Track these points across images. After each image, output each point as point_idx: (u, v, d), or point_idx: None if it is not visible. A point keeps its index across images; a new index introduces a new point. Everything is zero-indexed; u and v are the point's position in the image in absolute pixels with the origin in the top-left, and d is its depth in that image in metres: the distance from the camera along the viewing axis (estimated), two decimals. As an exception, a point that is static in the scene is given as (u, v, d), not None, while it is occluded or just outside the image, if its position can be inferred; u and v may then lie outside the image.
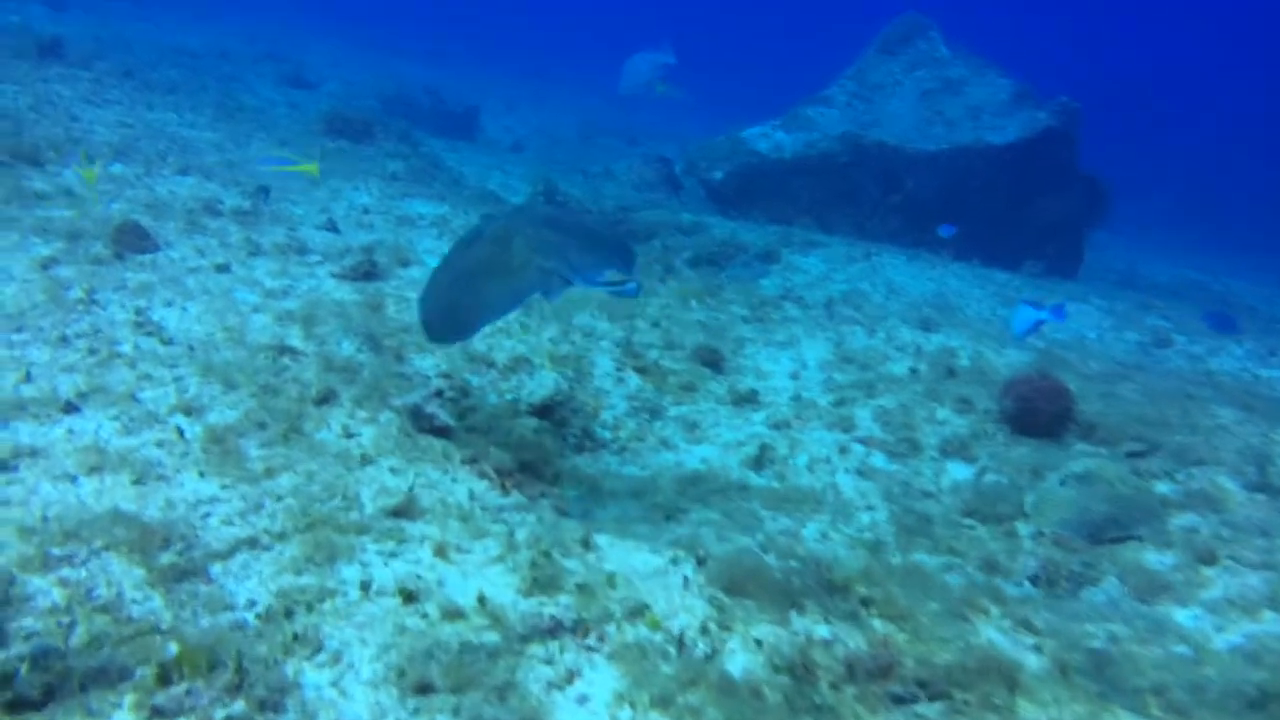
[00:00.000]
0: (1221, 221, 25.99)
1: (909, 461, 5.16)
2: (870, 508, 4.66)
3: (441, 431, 4.27)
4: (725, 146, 12.38)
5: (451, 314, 3.96)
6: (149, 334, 4.47)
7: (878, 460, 5.17)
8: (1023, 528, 4.49)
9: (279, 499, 3.54)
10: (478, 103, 17.91)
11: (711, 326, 6.69)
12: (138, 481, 3.45)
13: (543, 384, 5.21)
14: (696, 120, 22.40)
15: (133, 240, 5.47)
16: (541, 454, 4.45)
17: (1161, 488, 4.66)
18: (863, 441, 5.34)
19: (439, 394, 4.38)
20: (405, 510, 3.62)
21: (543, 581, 3.34)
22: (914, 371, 6.13)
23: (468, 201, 9.21)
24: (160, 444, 3.69)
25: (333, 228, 6.93)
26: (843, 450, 5.19)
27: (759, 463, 5.05)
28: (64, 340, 4.24)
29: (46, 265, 4.97)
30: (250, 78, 15.26)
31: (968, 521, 4.60)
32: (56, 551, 3.01)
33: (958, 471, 5.07)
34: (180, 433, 3.78)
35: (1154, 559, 4.18)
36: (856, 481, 4.91)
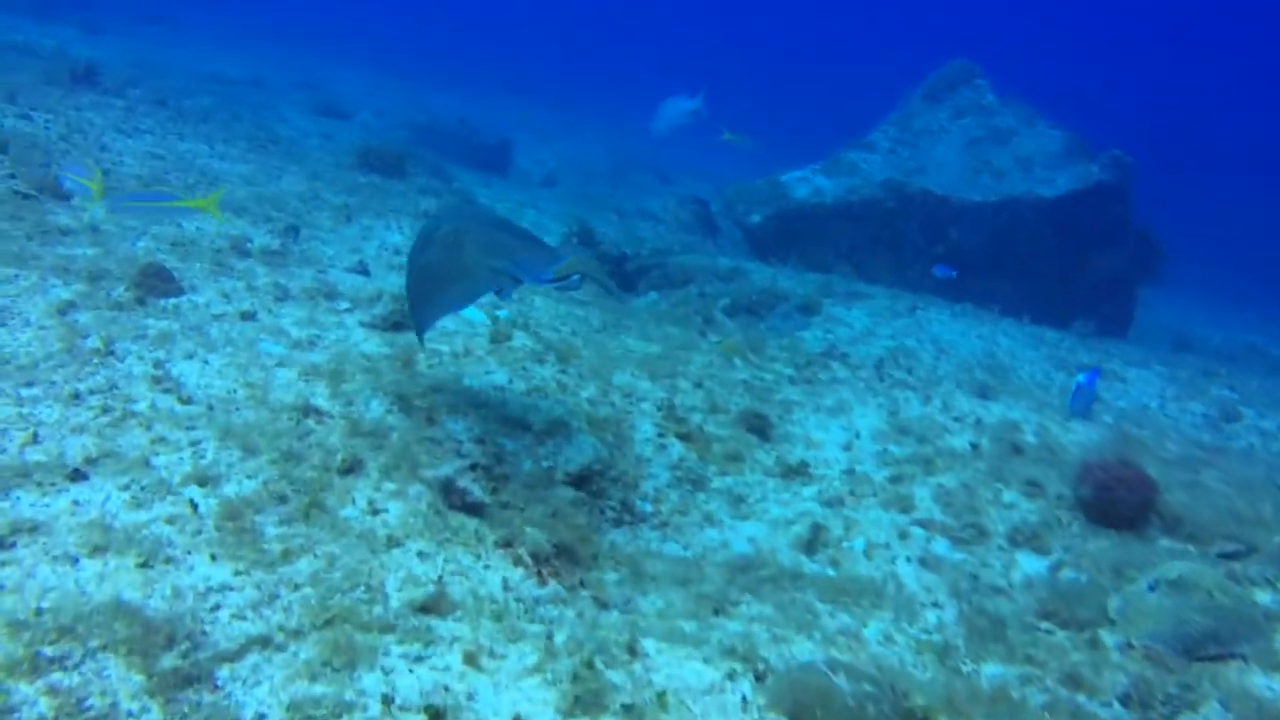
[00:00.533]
0: (1268, 276, 25.33)
1: (975, 550, 4.75)
2: (936, 605, 4.25)
3: (474, 509, 3.94)
4: (764, 190, 12.11)
5: (421, 309, 4.31)
6: (167, 390, 4.18)
7: (940, 547, 4.77)
8: (1108, 636, 4.07)
9: (296, 588, 3.21)
10: (510, 135, 17.81)
11: (756, 388, 6.33)
12: (144, 564, 3.13)
13: (581, 450, 4.87)
14: (728, 158, 22.23)
15: (156, 283, 5.22)
16: (579, 534, 4.10)
17: (1263, 597, 4.23)
18: (923, 524, 4.94)
19: (473, 467, 4.05)
20: (434, 605, 3.28)
21: (585, 699, 2.98)
22: (975, 447, 5.73)
23: (501, 242, 8.95)
24: (171, 520, 3.37)
25: (363, 270, 6.67)
26: (903, 535, 4.79)
27: (811, 546, 4.67)
28: (76, 397, 3.96)
29: (64, 310, 4.72)
30: (284, 106, 15.22)
31: (1045, 625, 4.18)
32: (48, 652, 2.69)
33: (1029, 564, 4.65)
34: (193, 507, 3.47)
35: (1261, 684, 3.74)
36: (919, 572, 4.51)
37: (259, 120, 12.36)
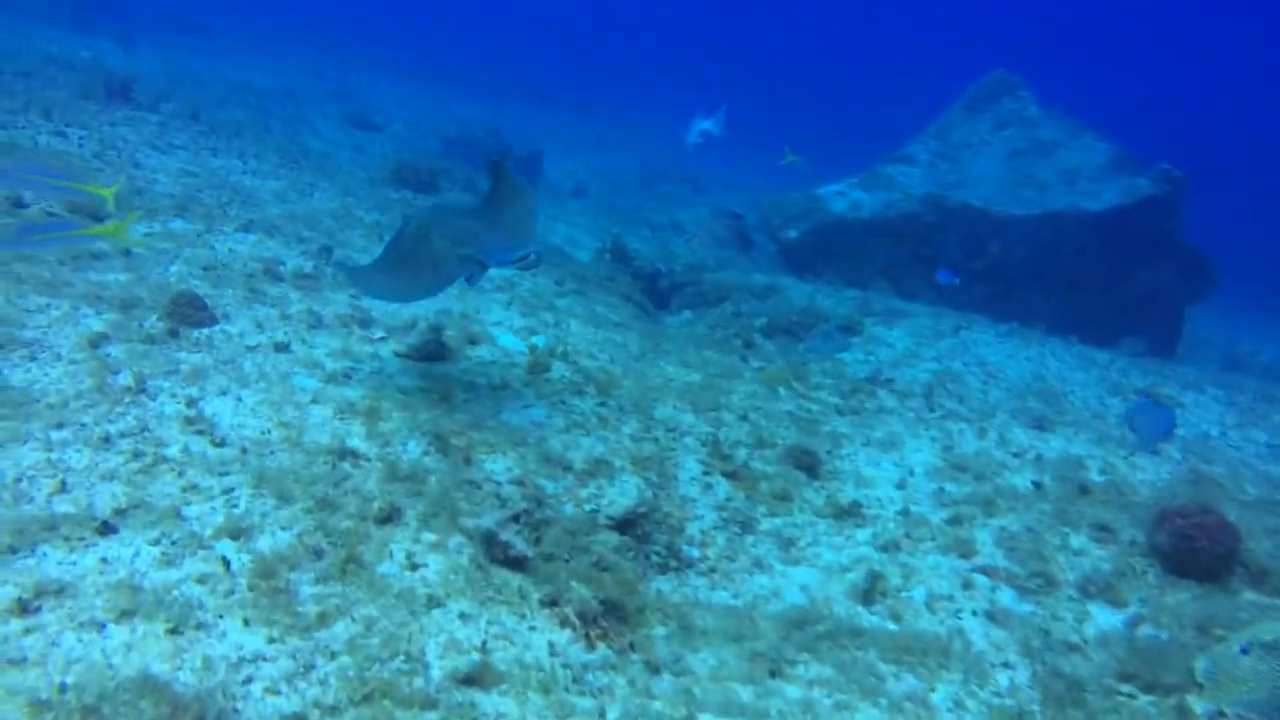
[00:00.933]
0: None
1: (1044, 601, 4.47)
2: (1008, 665, 3.98)
3: (517, 563, 3.73)
4: (800, 203, 11.86)
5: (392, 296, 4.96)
6: (199, 432, 4.02)
7: (1006, 597, 4.49)
8: (1197, 703, 3.78)
9: (333, 656, 3.01)
10: (541, 147, 17.68)
11: (803, 419, 6.08)
12: (174, 631, 2.95)
13: (624, 492, 4.65)
14: (760, 168, 21.99)
15: (189, 312, 5.08)
16: (626, 588, 3.88)
17: (1365, 664, 3.91)
18: (986, 571, 4.67)
19: (515, 518, 3.84)
20: (478, 676, 3.07)
21: (644, 787, 2.75)
22: (1038, 486, 5.44)
23: (534, 260, 8.77)
24: (202, 580, 3.20)
25: (397, 294, 6.50)
26: (966, 585, 4.52)
27: (868, 595, 4.41)
28: (107, 440, 3.80)
29: (96, 342, 4.58)
30: (315, 118, 15.19)
31: (1125, 688, 3.90)
32: (72, 736, 2.51)
33: (1104, 618, 4.37)
34: (226, 564, 3.29)
35: (1371, 764, 3.44)
36: (986, 627, 4.24)
37: (291, 133, 12.30)
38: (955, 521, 5.07)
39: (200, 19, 23.41)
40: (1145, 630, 4.24)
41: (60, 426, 3.84)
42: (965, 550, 4.82)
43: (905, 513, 5.13)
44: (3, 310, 4.72)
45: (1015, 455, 5.90)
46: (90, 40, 16.04)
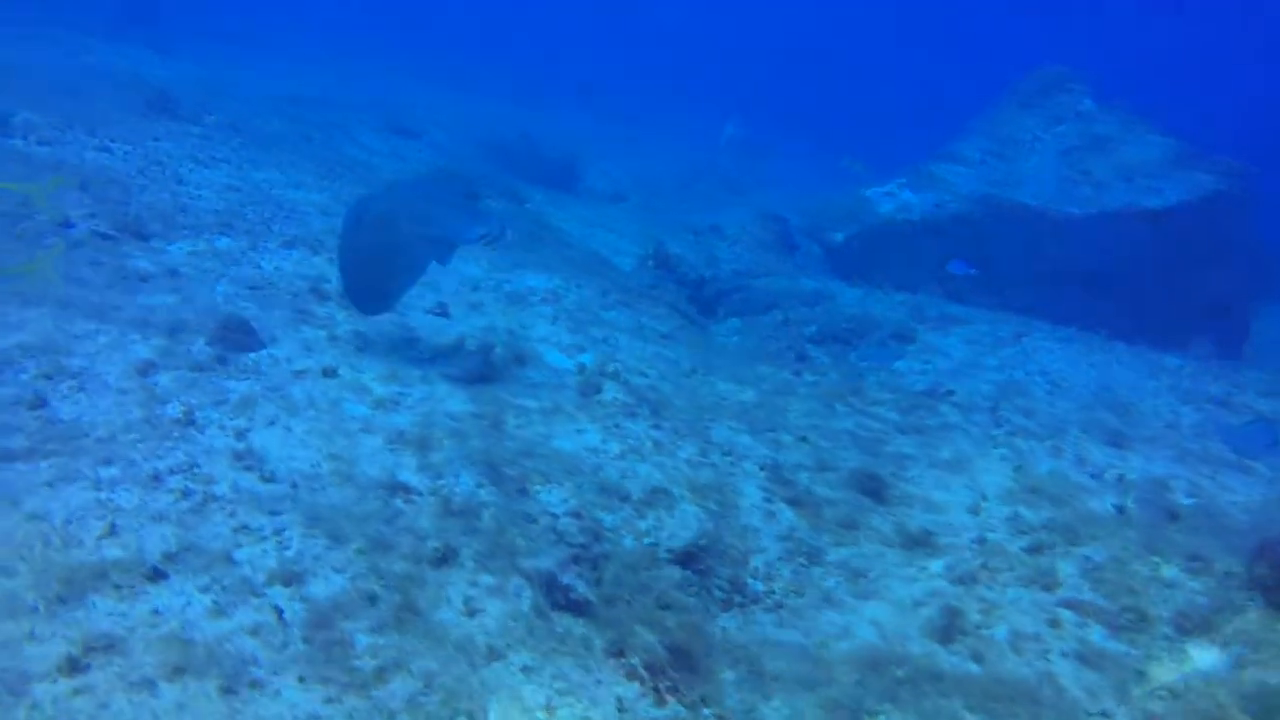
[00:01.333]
0: None
1: (1138, 640, 4.18)
2: (1105, 715, 3.71)
3: (579, 607, 3.54)
4: (847, 206, 11.54)
5: (370, 294, 5.04)
6: (249, 468, 3.89)
7: (1096, 636, 4.21)
8: (1315, 761, 3.47)
9: (391, 718, 2.85)
10: (575, 150, 17.54)
11: (864, 439, 5.82)
12: (227, 690, 2.81)
13: (685, 524, 4.45)
14: (795, 167, 21.67)
15: (237, 337, 4.97)
16: (691, 630, 3.68)
17: None
18: (1071, 606, 4.38)
19: (576, 559, 3.65)
20: (546, 738, 2.89)
21: None
22: (1121, 511, 5.13)
23: (578, 269, 8.61)
24: (255, 631, 3.05)
25: (443, 311, 6.36)
26: (1052, 622, 4.24)
27: (947, 634, 4.15)
28: (156, 478, 3.68)
29: (144, 371, 4.48)
30: (353, 125, 15.17)
31: (1234, 742, 3.60)
32: (124, 813, 2.37)
33: (1204, 659, 4.06)
34: (279, 614, 3.14)
35: None
36: (1078, 670, 3.96)
37: (330, 141, 12.27)
38: (1035, 550, 4.78)
39: (233, 27, 23.64)
40: (1251, 674, 3.93)
41: (109, 463, 3.73)
42: (1048, 582, 4.54)
43: (981, 541, 4.86)
44: (51, 337, 4.64)
45: (1094, 476, 5.58)
46: (127, 49, 16.14)
